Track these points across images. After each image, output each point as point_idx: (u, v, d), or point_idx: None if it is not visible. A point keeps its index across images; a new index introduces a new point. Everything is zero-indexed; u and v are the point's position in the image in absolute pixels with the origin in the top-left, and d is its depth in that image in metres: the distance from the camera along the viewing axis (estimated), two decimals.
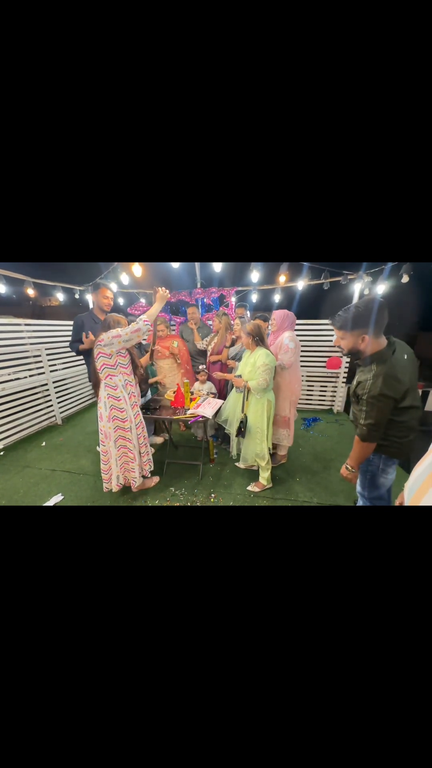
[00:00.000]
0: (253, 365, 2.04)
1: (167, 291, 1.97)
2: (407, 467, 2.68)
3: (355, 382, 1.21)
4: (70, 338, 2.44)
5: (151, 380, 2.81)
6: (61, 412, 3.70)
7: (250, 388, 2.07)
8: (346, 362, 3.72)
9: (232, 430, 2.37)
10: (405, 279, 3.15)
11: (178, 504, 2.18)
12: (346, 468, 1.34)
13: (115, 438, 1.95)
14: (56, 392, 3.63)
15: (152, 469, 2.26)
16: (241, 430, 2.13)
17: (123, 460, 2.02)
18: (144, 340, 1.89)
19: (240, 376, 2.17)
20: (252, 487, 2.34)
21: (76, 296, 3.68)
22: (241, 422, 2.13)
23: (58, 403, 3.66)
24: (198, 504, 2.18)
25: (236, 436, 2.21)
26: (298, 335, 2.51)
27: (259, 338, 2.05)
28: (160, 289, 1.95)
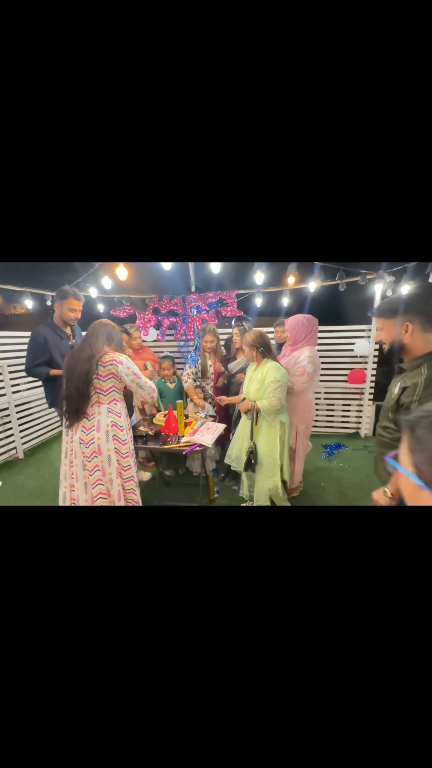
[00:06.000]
0: (260, 382, 1.78)
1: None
2: None
3: (397, 389, 1.06)
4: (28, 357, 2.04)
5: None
6: (23, 444, 3.09)
7: (259, 409, 1.79)
8: (372, 375, 3.22)
9: (239, 466, 1.95)
10: None
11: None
12: (384, 493, 1.07)
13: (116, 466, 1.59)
14: (18, 419, 3.03)
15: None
16: (251, 463, 1.83)
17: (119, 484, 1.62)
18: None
19: (245, 398, 1.90)
20: None
21: (48, 303, 3.18)
22: (250, 452, 1.82)
23: (20, 432, 3.06)
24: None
25: (244, 470, 1.90)
26: None
27: (264, 348, 1.80)
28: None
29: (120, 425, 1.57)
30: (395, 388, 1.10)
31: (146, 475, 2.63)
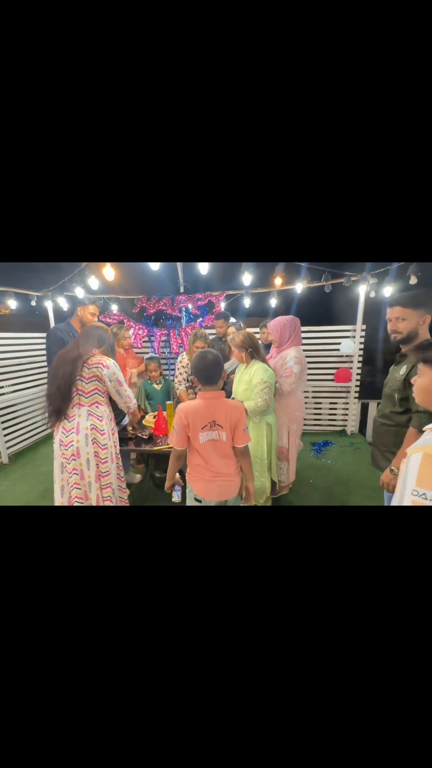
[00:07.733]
0: (248, 383, 1.78)
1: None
2: None
3: (404, 370, 1.15)
4: (45, 356, 2.08)
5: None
6: (7, 448, 2.98)
7: (246, 410, 1.75)
8: (357, 374, 3.29)
9: None
10: (413, 281, 2.92)
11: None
12: (391, 471, 1.17)
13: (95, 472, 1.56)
14: (3, 422, 2.94)
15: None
16: None
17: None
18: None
19: (233, 398, 1.89)
20: None
21: (33, 303, 3.08)
22: None
23: (5, 436, 2.96)
24: None
25: None
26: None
27: (253, 349, 1.80)
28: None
29: (101, 429, 1.53)
30: (399, 371, 1.18)
31: (137, 478, 2.58)
